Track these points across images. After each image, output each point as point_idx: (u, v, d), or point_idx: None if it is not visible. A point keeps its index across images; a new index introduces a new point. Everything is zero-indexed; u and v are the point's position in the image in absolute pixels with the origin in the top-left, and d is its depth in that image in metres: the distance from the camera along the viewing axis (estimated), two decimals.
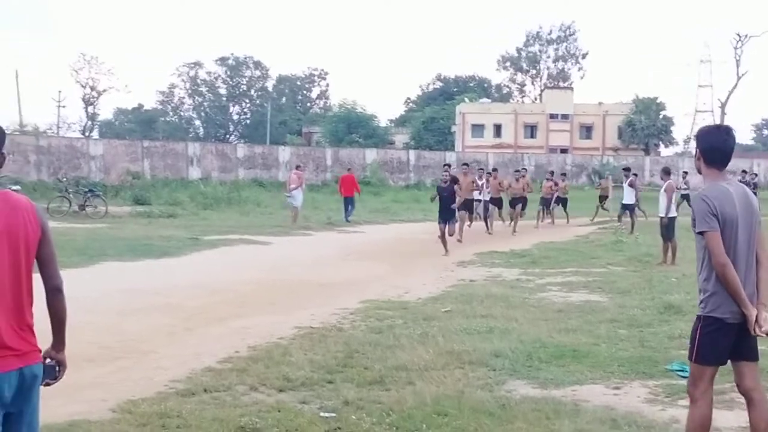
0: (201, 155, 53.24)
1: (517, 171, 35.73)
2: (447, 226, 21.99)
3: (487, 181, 31.17)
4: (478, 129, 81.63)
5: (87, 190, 36.17)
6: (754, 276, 5.64)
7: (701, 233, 5.44)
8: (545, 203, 34.95)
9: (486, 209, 30.75)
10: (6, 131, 4.59)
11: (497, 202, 31.89)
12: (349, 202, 34.35)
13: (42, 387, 4.58)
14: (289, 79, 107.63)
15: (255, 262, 19.64)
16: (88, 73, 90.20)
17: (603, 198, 36.79)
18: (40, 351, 4.48)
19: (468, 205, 25.74)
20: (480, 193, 29.92)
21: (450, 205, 22.20)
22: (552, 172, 39.63)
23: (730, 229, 5.51)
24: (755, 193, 34.32)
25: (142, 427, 7.23)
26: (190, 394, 8.32)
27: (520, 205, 31.52)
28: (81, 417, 7.38)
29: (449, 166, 24.39)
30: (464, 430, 7.13)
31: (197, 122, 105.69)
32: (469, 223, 25.66)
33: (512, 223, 31.11)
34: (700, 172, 5.86)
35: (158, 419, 7.44)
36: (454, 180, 23.08)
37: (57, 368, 4.62)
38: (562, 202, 35.94)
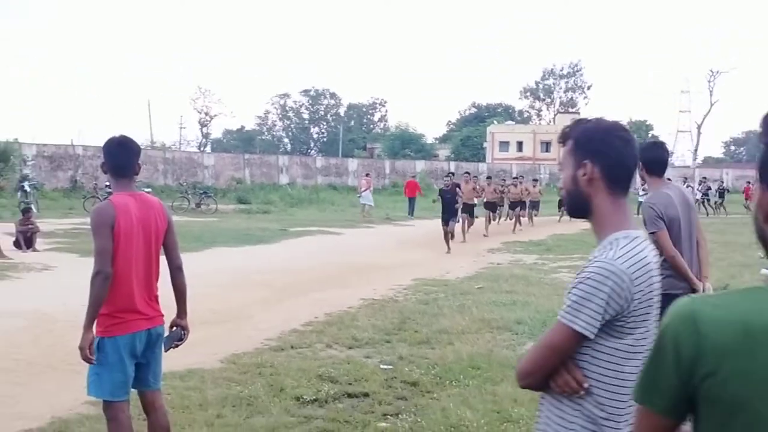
0: (288, 165, 53.47)
1: (515, 178, 32.45)
2: (449, 225, 20.31)
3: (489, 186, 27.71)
4: (504, 145, 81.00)
5: (202, 192, 36.54)
6: (696, 256, 5.61)
7: (652, 233, 5.35)
8: (513, 206, 29.14)
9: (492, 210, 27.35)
10: (141, 146, 4.69)
11: (491, 206, 26.86)
12: (412, 201, 34.28)
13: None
14: (357, 106, 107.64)
15: (330, 249, 19.71)
16: (203, 102, 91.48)
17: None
18: (163, 315, 4.57)
19: (469, 209, 23.28)
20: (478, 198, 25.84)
21: (452, 207, 20.81)
22: (517, 177, 34.19)
23: (674, 226, 5.43)
24: (723, 197, 33.50)
25: (244, 374, 7.32)
26: (280, 350, 8.40)
27: (518, 208, 28.38)
28: (196, 366, 7.50)
29: (452, 174, 23.91)
30: (493, 380, 7.14)
31: (286, 140, 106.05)
32: (469, 225, 23.24)
33: (515, 222, 27.69)
34: (644, 181, 5.75)
35: (256, 368, 7.52)
36: (456, 186, 21.66)
37: (182, 332, 4.70)
38: (534, 204, 31.16)
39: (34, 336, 8.99)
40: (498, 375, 7.30)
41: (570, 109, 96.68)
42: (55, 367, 7.71)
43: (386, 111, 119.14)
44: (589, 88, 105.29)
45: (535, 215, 31.26)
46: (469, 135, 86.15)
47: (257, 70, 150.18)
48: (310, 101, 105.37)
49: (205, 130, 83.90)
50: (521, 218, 28.58)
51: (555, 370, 2.26)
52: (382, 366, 7.62)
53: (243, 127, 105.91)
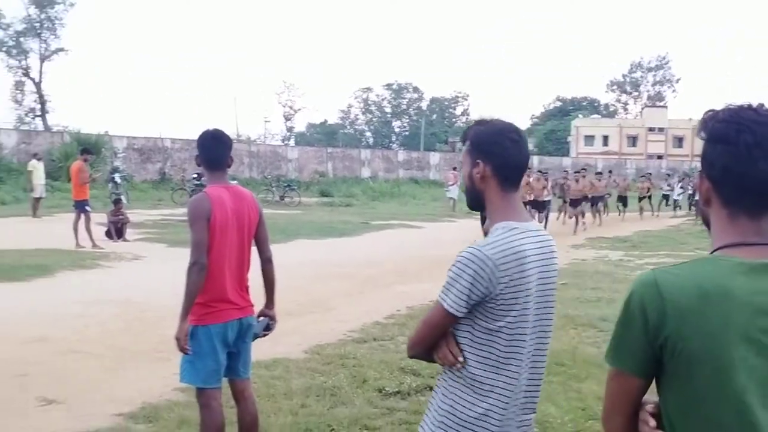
0: (370, 159, 53.75)
1: (577, 172, 28.79)
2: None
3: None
4: (589, 139, 79.68)
5: (285, 185, 37.08)
6: None
7: None
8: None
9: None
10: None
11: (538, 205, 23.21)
12: None
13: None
14: (439, 100, 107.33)
15: (412, 242, 19.74)
16: (287, 96, 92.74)
17: (642, 198, 32.43)
18: (253, 306, 4.64)
19: (538, 205, 22.48)
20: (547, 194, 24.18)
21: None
22: (579, 171, 29.50)
23: None
24: None
25: (327, 365, 7.39)
26: (362, 341, 8.46)
27: (579, 205, 25.45)
28: (282, 356, 7.61)
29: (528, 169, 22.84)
30: (577, 377, 7.03)
31: (368, 133, 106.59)
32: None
33: (576, 222, 25.00)
34: None
35: (339, 359, 7.59)
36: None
37: (270, 323, 4.77)
38: (596, 200, 27.96)
39: (126, 323, 9.27)
40: (583, 372, 7.19)
41: (657, 103, 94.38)
42: (145, 354, 7.94)
43: (468, 105, 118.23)
44: (677, 81, 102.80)
45: (602, 212, 29.18)
46: (553, 129, 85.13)
47: (341, 65, 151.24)
48: (393, 95, 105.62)
49: (289, 123, 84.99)
50: (585, 215, 26.11)
51: (437, 343, 2.58)
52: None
53: (326, 121, 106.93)
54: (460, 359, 2.54)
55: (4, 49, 52.22)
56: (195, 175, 28.07)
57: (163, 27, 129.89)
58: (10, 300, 10.53)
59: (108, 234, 17.92)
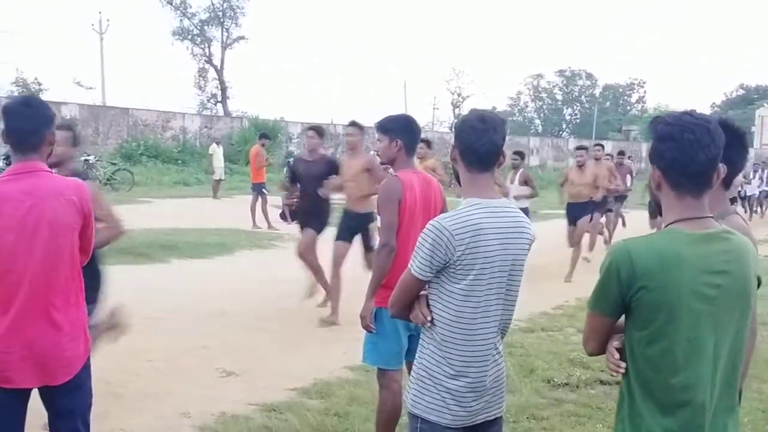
0: (539, 147, 53.03)
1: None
2: None
3: None
4: None
5: (453, 171, 37.16)
6: None
7: None
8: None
9: None
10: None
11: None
12: None
13: None
14: (613, 87, 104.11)
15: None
16: (456, 83, 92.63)
17: None
18: None
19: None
20: None
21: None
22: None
23: None
24: None
25: None
26: (530, 331, 8.39)
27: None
28: None
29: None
30: (759, 377, 6.69)
31: (537, 121, 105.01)
32: None
33: None
34: None
35: (506, 348, 7.44)
36: None
37: None
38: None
39: (297, 302, 9.61)
40: (765, 373, 6.82)
41: None
42: (317, 332, 8.22)
43: (645, 92, 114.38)
44: None
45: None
46: (735, 118, 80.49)
47: (512, 51, 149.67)
48: (565, 82, 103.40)
49: (457, 110, 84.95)
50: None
51: (411, 303, 3.07)
52: None
53: (495, 108, 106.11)
54: (429, 318, 2.99)
55: (189, 37, 55.05)
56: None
57: (336, 15, 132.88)
58: (195, 274, 11.18)
59: (282, 216, 18.43)
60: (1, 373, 3.38)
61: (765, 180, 26.21)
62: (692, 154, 2.33)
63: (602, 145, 15.20)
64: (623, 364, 2.41)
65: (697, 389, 2.34)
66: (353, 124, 8.84)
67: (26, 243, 3.35)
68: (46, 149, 3.53)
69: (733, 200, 3.41)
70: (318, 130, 9.54)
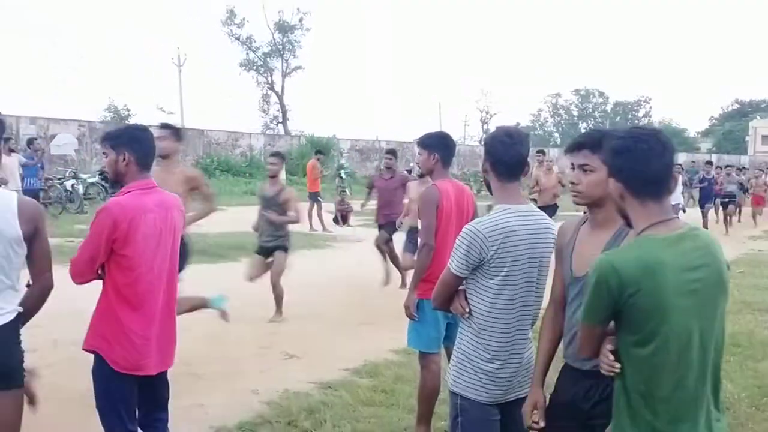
0: (557, 158, 52.55)
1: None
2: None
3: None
4: (766, 139, 73.53)
5: (482, 180, 36.97)
6: None
7: None
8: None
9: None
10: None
11: None
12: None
13: None
14: (623, 103, 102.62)
15: None
16: (484, 102, 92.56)
17: None
18: None
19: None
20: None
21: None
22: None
23: None
24: None
25: None
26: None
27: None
28: None
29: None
30: (754, 357, 6.66)
31: (555, 135, 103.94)
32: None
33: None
34: None
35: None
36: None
37: None
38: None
39: (348, 296, 9.68)
40: (759, 353, 6.78)
41: None
42: (363, 321, 8.27)
43: (650, 107, 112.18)
44: None
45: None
46: (731, 129, 79.37)
47: (535, 73, 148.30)
48: (580, 99, 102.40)
49: (485, 126, 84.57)
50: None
51: (452, 297, 3.10)
52: None
53: (518, 123, 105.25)
54: (467, 309, 3.03)
55: (254, 68, 55.84)
56: (405, 172, 28.55)
57: (376, 48, 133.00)
58: None
59: (335, 220, 18.69)
60: (138, 361, 3.46)
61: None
62: (648, 163, 2.27)
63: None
64: (618, 365, 2.33)
65: (688, 378, 2.26)
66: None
67: (162, 248, 3.51)
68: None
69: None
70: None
